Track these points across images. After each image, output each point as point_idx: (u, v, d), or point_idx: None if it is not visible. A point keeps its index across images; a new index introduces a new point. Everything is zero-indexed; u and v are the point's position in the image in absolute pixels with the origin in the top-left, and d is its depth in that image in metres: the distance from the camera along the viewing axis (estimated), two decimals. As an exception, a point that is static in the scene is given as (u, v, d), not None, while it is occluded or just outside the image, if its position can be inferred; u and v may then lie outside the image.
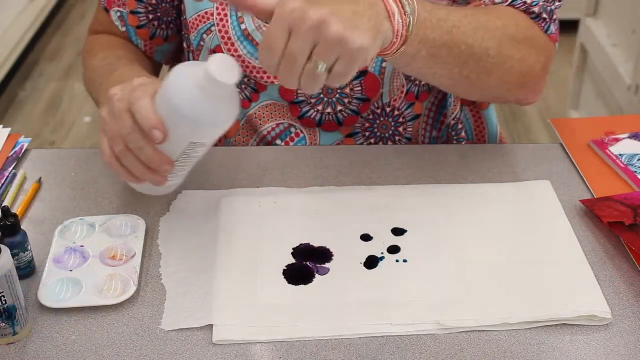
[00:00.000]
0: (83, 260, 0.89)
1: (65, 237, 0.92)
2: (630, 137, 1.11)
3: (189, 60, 1.15)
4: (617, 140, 1.10)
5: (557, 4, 1.04)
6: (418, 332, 0.81)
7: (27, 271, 0.88)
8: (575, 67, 2.60)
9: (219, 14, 1.07)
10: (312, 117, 1.12)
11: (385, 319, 0.82)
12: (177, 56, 1.21)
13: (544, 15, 1.02)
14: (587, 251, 0.92)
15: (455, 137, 1.17)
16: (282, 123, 1.13)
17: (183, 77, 0.80)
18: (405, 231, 0.94)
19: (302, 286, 0.86)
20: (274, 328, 0.81)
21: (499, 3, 1.01)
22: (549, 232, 0.94)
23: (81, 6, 3.67)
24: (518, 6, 1.00)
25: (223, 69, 0.78)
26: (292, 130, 1.14)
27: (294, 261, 0.90)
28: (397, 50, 0.86)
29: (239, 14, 1.05)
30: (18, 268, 0.85)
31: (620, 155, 1.07)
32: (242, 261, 0.89)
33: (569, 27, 3.15)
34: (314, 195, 1.00)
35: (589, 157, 1.09)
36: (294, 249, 0.91)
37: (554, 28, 1.04)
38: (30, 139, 1.11)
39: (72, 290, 0.85)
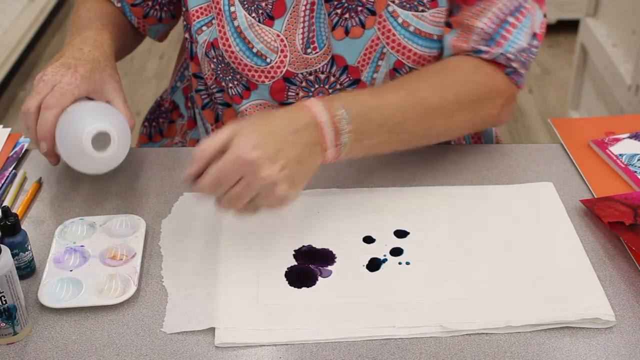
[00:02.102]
0: (83, 260, 0.89)
1: (65, 237, 0.92)
2: (630, 137, 1.11)
3: (190, 51, 1.16)
4: (617, 140, 1.10)
5: (535, 50, 1.05)
6: (421, 335, 0.81)
7: (27, 271, 0.88)
8: (575, 67, 2.60)
9: (215, 8, 1.08)
10: None
11: (388, 322, 0.82)
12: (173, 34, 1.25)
13: (520, 70, 1.04)
14: (587, 251, 0.92)
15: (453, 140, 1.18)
16: None
17: (71, 130, 0.92)
18: (408, 233, 0.94)
19: (304, 288, 0.86)
20: (276, 331, 0.81)
21: (482, 53, 1.02)
22: (552, 235, 0.94)
23: (81, 6, 3.67)
24: (500, 61, 1.02)
25: (100, 139, 0.92)
26: None
27: (295, 263, 0.90)
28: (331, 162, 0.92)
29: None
30: (18, 268, 0.85)
31: (620, 155, 1.07)
32: (243, 263, 0.89)
33: (569, 27, 3.16)
34: (315, 197, 1.00)
35: (589, 157, 1.09)
36: (295, 250, 0.91)
37: (524, 79, 1.06)
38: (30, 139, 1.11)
39: (72, 290, 0.85)
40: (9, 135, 1.11)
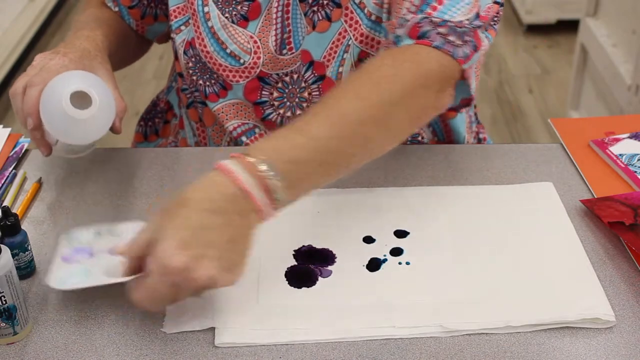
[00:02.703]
0: (91, 255, 0.87)
1: (71, 243, 0.91)
2: (630, 137, 1.11)
3: (175, 51, 1.17)
4: (617, 140, 1.10)
5: (476, 25, 0.94)
6: (421, 335, 0.81)
7: (27, 271, 0.87)
8: (575, 67, 2.60)
9: (190, 7, 1.09)
10: (273, 119, 1.13)
11: (388, 322, 0.82)
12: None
13: (451, 37, 0.91)
14: (587, 251, 0.92)
15: (409, 138, 1.15)
16: (247, 123, 1.14)
17: (52, 93, 0.94)
18: (408, 233, 0.94)
19: (304, 288, 0.86)
20: (276, 331, 0.81)
21: (407, 22, 0.94)
22: (552, 235, 0.94)
23: (81, 6, 3.67)
24: (423, 29, 0.92)
25: (80, 100, 0.92)
26: (257, 130, 1.15)
27: (295, 263, 0.90)
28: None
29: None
30: (18, 268, 0.85)
31: (620, 155, 1.07)
32: None
33: (569, 27, 3.16)
34: (315, 197, 0.99)
35: (589, 157, 1.09)
36: (295, 250, 0.91)
37: (464, 51, 0.92)
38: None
39: (81, 276, 0.83)
40: (9, 135, 1.11)
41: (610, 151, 1.08)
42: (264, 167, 0.77)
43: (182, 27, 1.12)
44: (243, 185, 0.76)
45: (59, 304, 0.84)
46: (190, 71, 1.13)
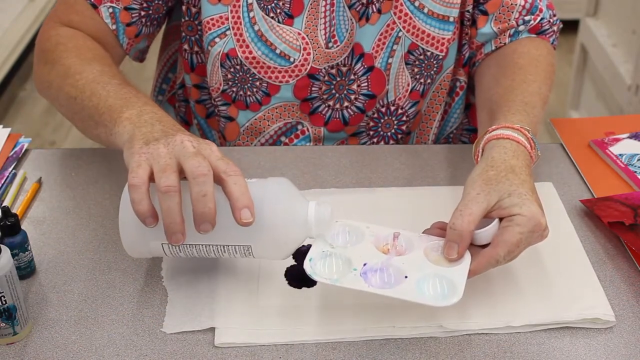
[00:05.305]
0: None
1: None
2: (630, 137, 1.11)
3: (190, 63, 1.15)
4: (617, 140, 1.10)
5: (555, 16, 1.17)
6: (421, 335, 0.81)
7: (27, 271, 0.88)
8: (575, 67, 2.60)
9: (232, 17, 1.07)
10: (323, 112, 1.13)
11: (388, 322, 0.82)
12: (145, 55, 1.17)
13: (557, 32, 1.18)
14: (587, 251, 0.92)
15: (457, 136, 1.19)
16: (290, 122, 1.14)
17: (289, 200, 0.81)
18: (407, 233, 0.94)
19: (304, 288, 0.86)
20: (276, 331, 0.81)
21: (523, 26, 1.13)
22: (552, 235, 0.93)
23: (81, 6, 3.67)
24: (544, 27, 1.14)
25: (322, 218, 0.82)
26: (299, 127, 1.14)
27: (295, 263, 0.89)
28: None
29: (252, 15, 1.07)
30: (18, 268, 0.85)
31: (620, 155, 1.07)
32: (243, 263, 0.89)
33: (569, 27, 3.16)
34: (314, 197, 1.00)
35: (589, 157, 1.09)
36: (295, 250, 0.91)
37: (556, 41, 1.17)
38: (30, 139, 1.11)
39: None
40: (9, 135, 1.11)
41: (610, 151, 1.08)
42: (529, 135, 0.92)
43: (217, 40, 1.08)
44: (528, 148, 0.91)
45: (59, 304, 0.85)
46: (230, 83, 1.11)
